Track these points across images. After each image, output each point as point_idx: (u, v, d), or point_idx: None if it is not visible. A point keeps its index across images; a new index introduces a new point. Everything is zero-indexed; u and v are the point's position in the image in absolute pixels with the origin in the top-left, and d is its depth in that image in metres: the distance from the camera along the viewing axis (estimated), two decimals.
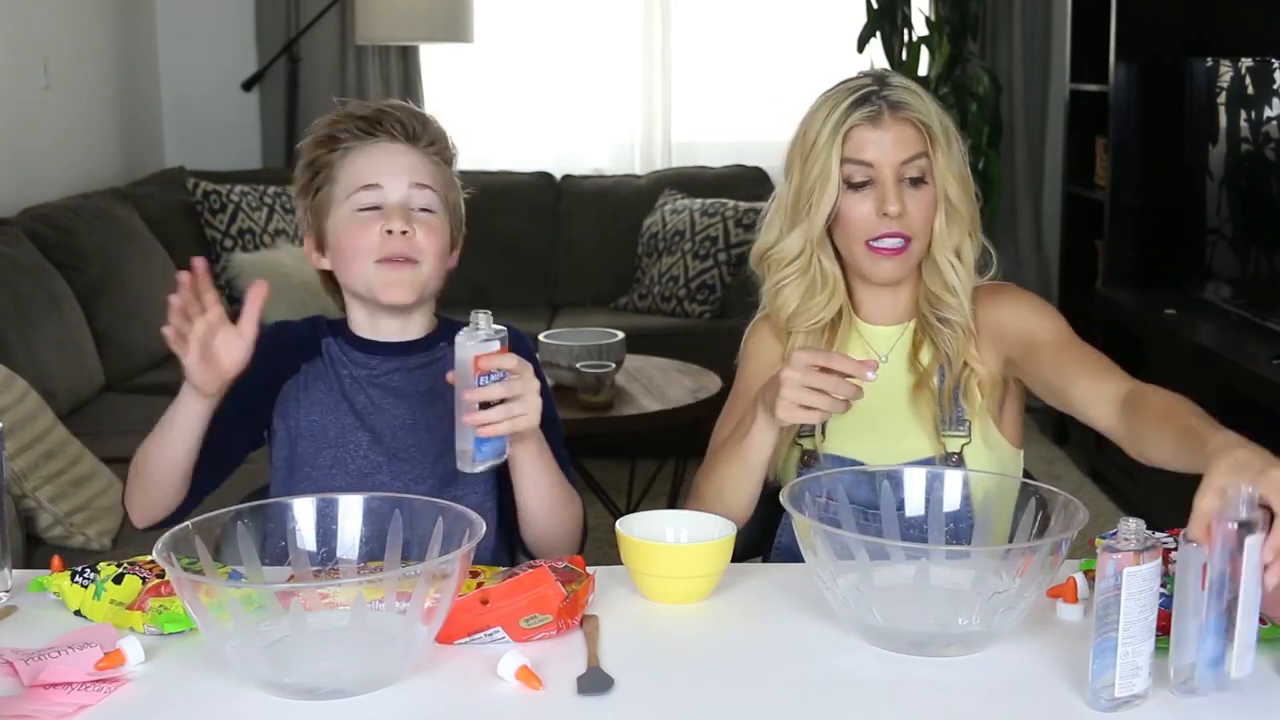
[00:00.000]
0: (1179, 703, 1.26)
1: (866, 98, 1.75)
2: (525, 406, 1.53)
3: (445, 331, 1.75)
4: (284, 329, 1.77)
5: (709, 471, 1.77)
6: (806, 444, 1.84)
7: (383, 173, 1.69)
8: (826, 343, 1.84)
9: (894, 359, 1.84)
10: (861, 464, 1.76)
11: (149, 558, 1.43)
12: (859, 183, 1.76)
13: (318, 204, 1.73)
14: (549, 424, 1.66)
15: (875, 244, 1.76)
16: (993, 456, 1.80)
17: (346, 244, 1.69)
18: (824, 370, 1.57)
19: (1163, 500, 3.99)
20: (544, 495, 1.66)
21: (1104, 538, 1.51)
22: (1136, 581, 1.21)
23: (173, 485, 1.62)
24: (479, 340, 1.51)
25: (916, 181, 1.76)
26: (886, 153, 1.74)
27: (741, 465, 1.71)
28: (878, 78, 1.79)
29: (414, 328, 1.76)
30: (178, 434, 1.58)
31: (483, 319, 1.52)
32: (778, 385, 1.60)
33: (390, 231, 1.66)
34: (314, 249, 1.76)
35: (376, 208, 1.68)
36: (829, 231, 1.80)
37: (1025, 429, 1.87)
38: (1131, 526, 1.23)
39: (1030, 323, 1.79)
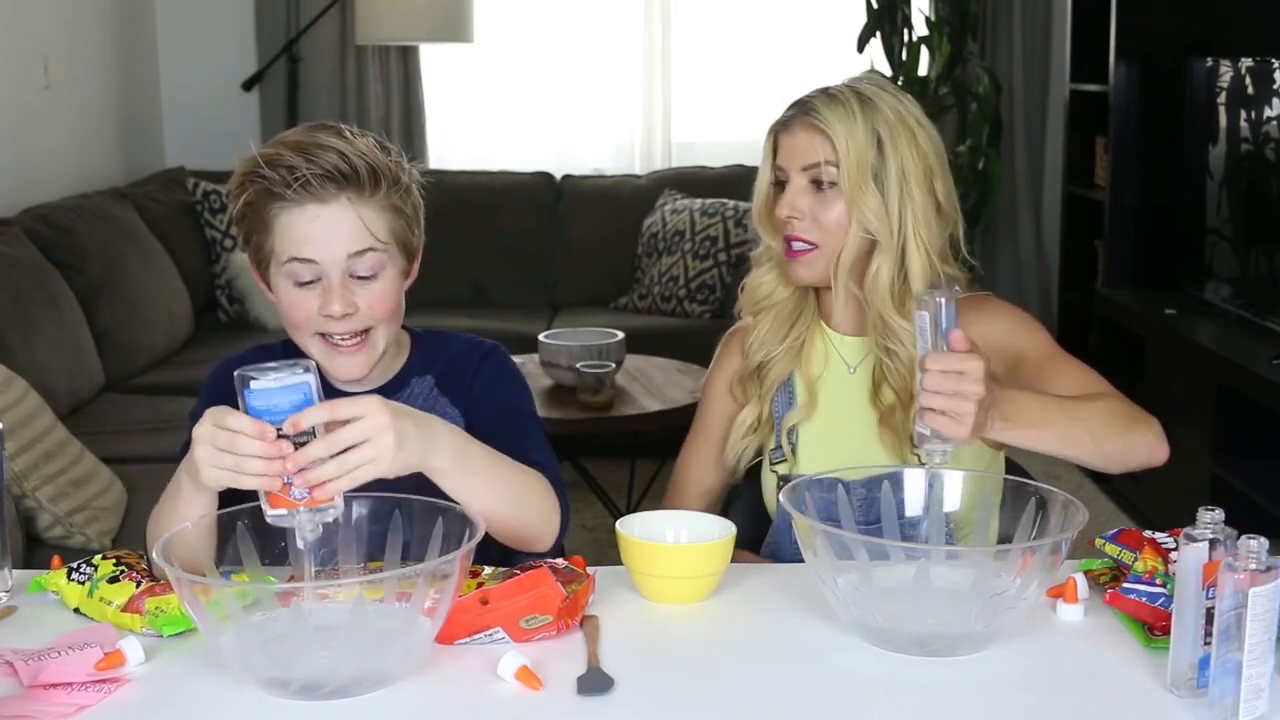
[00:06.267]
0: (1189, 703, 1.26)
1: (800, 104, 1.78)
2: (365, 453, 1.32)
3: (419, 355, 1.70)
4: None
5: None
6: (780, 469, 1.83)
7: (317, 246, 1.53)
8: (796, 349, 1.85)
9: (862, 372, 1.82)
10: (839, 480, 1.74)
11: (140, 553, 1.42)
12: (779, 184, 1.80)
13: (255, 248, 1.58)
14: (514, 415, 1.63)
15: (788, 244, 1.78)
16: (973, 462, 1.76)
17: (286, 311, 1.58)
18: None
19: (1163, 500, 3.99)
20: (493, 507, 1.47)
21: (1104, 538, 1.53)
22: (1261, 602, 1.18)
23: (205, 549, 1.44)
24: (273, 391, 1.31)
25: (826, 185, 1.75)
26: (791, 157, 1.77)
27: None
28: (826, 87, 1.78)
29: (377, 373, 1.65)
30: (195, 524, 1.42)
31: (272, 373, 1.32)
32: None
33: (330, 315, 1.54)
34: (259, 279, 1.63)
35: (316, 279, 1.55)
36: None
37: None
38: (1253, 545, 1.18)
39: (1015, 339, 1.76)
